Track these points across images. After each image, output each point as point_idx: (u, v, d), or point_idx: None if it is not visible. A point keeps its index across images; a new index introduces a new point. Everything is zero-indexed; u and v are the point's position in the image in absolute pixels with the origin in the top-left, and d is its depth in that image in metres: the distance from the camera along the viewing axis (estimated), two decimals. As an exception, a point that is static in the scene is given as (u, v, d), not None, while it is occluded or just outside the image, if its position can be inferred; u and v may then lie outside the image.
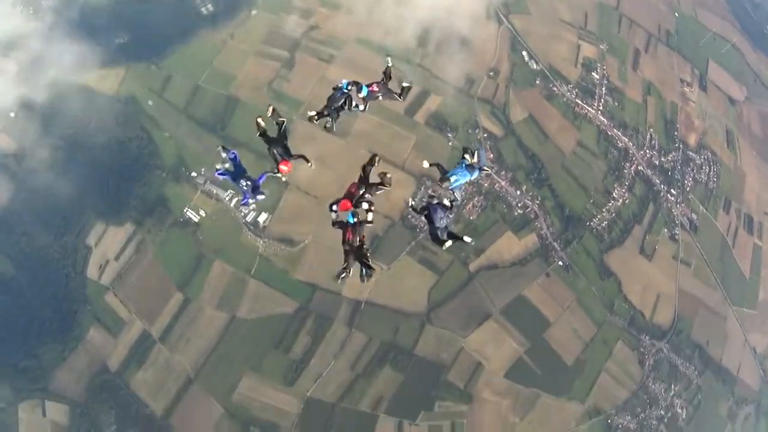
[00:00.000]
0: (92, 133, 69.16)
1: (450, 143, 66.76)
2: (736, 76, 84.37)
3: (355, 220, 19.19)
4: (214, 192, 64.42)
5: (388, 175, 20.46)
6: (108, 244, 64.78)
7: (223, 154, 20.85)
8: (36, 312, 64.93)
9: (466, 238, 19.63)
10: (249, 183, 20.22)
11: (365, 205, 19.43)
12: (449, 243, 19.03)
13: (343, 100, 21.56)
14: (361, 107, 21.64)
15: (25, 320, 64.90)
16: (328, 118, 21.80)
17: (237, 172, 20.44)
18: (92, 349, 63.23)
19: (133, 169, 67.07)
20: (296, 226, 63.09)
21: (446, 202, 19.33)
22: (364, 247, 19.09)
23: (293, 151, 20.71)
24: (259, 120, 20.85)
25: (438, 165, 20.01)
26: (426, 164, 21.05)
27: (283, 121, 21.01)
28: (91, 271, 64.28)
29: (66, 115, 69.95)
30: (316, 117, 21.80)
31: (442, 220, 18.84)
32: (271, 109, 21.12)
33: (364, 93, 21.08)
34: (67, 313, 64.45)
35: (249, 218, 63.60)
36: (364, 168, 20.40)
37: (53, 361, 63.34)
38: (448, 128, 67.39)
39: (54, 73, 71.76)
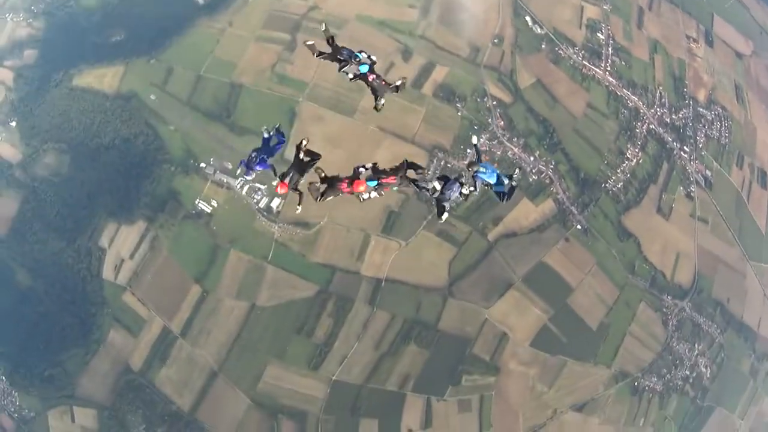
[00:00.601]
0: (96, 134, 67.80)
1: (459, 113, 65.01)
2: (741, 31, 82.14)
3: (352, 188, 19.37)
4: (225, 181, 62.93)
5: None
6: (121, 244, 63.60)
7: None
8: (56, 319, 64.17)
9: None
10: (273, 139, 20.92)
11: (374, 194, 19.80)
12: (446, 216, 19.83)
13: (347, 60, 20.91)
14: (350, 76, 20.93)
15: (46, 328, 64.20)
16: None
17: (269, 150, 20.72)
18: (114, 351, 62.46)
19: (141, 166, 65.53)
20: (310, 208, 61.22)
21: (465, 190, 19.39)
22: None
23: (302, 181, 20.39)
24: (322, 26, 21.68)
25: (477, 149, 21.49)
26: (474, 139, 25.36)
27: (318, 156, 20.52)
28: (107, 273, 63.20)
29: (68, 118, 68.57)
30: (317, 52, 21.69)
31: (453, 194, 19.13)
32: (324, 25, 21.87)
33: (363, 70, 20.41)
34: (86, 317, 63.56)
35: (262, 204, 62.12)
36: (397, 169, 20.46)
37: (77, 366, 62.74)
38: (457, 98, 65.56)
39: (52, 76, 70.43)
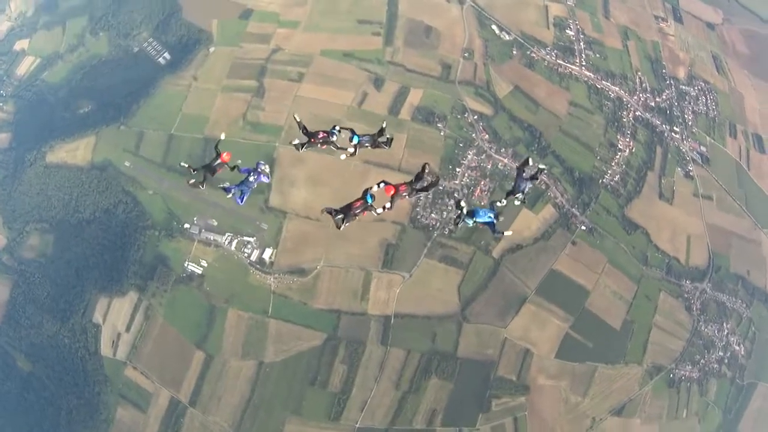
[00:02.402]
0: (76, 209, 64.20)
1: (442, 133, 61.34)
2: (708, 1, 79.23)
3: (370, 203, 19.67)
4: (212, 239, 58.76)
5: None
6: (115, 318, 59.42)
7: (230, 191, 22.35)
8: (61, 403, 59.67)
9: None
10: (251, 174, 21.81)
11: (387, 204, 19.84)
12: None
13: (325, 138, 21.43)
14: (351, 150, 21.25)
15: (53, 413, 59.65)
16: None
17: (243, 183, 21.89)
18: (125, 429, 57.80)
19: (124, 235, 61.56)
20: (304, 253, 57.28)
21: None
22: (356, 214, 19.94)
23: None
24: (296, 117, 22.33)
25: (458, 203, 20.86)
26: (463, 203, 21.14)
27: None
28: (105, 349, 59.05)
29: (47, 196, 64.92)
30: (299, 146, 21.91)
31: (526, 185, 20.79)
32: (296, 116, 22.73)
33: (355, 141, 20.87)
34: (91, 397, 59.05)
35: (254, 257, 57.77)
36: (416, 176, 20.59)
37: None
38: (437, 119, 62.08)
39: (26, 157, 66.69)
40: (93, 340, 59.41)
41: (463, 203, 20.44)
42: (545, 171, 22.13)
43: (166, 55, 69.80)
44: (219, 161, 21.63)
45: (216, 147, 22.17)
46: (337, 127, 21.08)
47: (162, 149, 62.88)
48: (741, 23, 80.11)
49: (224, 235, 58.37)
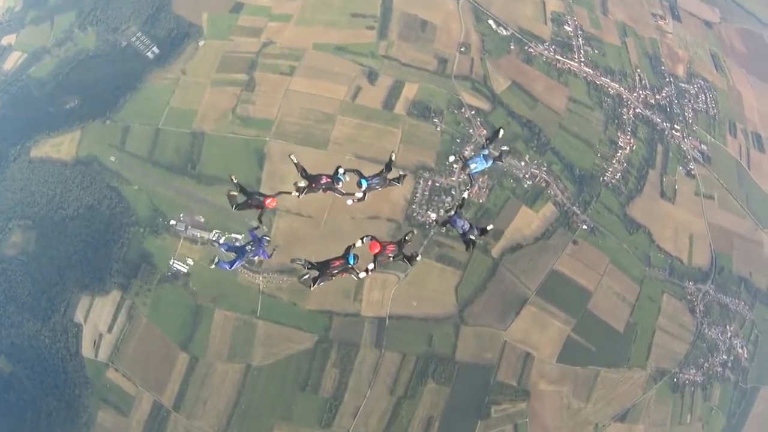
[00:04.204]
0: (60, 205, 59.34)
1: (438, 128, 57.02)
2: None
3: (352, 265, 17.36)
4: (198, 236, 53.94)
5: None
6: (97, 317, 54.63)
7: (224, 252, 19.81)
8: (41, 405, 54.93)
9: (488, 227, 18.89)
10: (251, 244, 18.94)
11: (371, 266, 17.61)
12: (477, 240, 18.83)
13: (328, 183, 18.55)
14: (359, 195, 18.67)
15: (33, 415, 54.83)
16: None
17: (239, 249, 19.03)
18: None
19: (108, 232, 56.70)
20: (295, 251, 51.72)
21: (465, 195, 20.68)
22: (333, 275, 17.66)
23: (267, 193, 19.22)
24: (233, 193, 18.98)
25: (460, 157, 21.22)
26: (451, 158, 24.66)
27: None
28: (86, 350, 54.31)
29: (30, 192, 60.04)
30: (300, 190, 18.66)
31: (464, 225, 18.41)
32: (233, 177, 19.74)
33: (364, 186, 18.32)
34: (72, 399, 54.35)
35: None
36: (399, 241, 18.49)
37: None
38: (433, 114, 57.82)
39: (10, 152, 61.74)
40: (74, 340, 54.67)
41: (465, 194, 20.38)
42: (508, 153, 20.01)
43: (155, 49, 65.24)
44: (262, 201, 18.58)
45: (279, 193, 19.19)
46: (342, 170, 18.34)
47: (148, 144, 58.24)
48: (738, 22, 76.96)
49: (212, 232, 53.63)
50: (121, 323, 53.50)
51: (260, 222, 19.48)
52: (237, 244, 19.39)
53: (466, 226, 18.17)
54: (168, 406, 51.74)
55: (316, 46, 61.33)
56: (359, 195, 18.28)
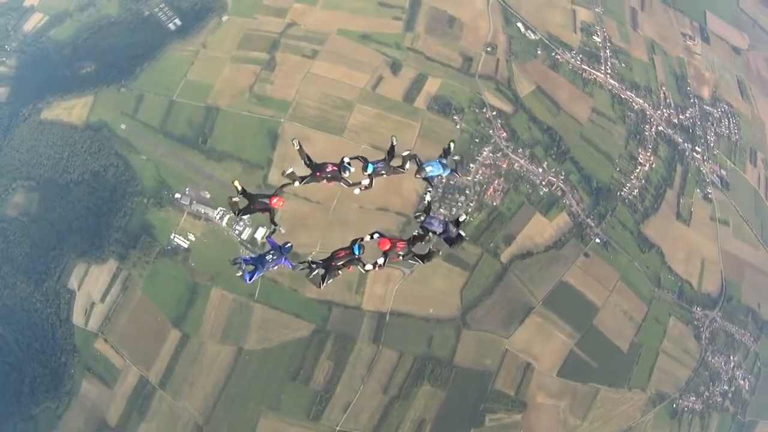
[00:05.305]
0: (66, 169, 57.00)
1: (457, 126, 54.47)
2: (735, 24, 73.97)
3: (358, 255, 16.11)
4: (202, 212, 51.37)
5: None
6: (92, 285, 52.25)
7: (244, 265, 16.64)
8: (26, 369, 52.53)
9: (461, 218, 17.57)
10: (272, 253, 16.63)
11: (381, 260, 16.04)
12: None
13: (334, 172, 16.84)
14: (366, 182, 17.10)
15: (17, 379, 52.50)
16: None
17: (259, 259, 16.80)
18: (88, 404, 50.64)
19: (111, 200, 54.19)
20: (299, 236, 49.53)
21: (428, 198, 19.23)
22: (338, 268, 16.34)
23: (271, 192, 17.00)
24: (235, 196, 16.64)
25: (414, 156, 17.81)
26: (428, 197, 19.44)
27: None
28: (77, 318, 51.97)
29: (37, 153, 57.71)
30: (300, 179, 16.80)
31: (440, 226, 17.07)
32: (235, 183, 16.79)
33: (370, 170, 16.79)
34: (57, 367, 52.01)
35: (245, 236, 50.45)
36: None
37: (49, 421, 50.98)
38: (453, 110, 55.26)
39: (21, 111, 59.48)
40: (66, 306, 52.24)
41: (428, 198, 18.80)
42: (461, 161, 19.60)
43: (177, 21, 62.88)
44: (267, 202, 16.53)
45: (282, 187, 17.11)
46: (347, 159, 16.77)
47: (161, 114, 55.83)
48: (766, 50, 74.02)
49: (216, 209, 51.12)
50: (115, 294, 51.03)
51: (275, 224, 17.22)
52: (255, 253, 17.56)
53: (441, 227, 17.06)
54: (154, 382, 49.20)
55: (340, 32, 58.93)
56: (366, 182, 16.96)
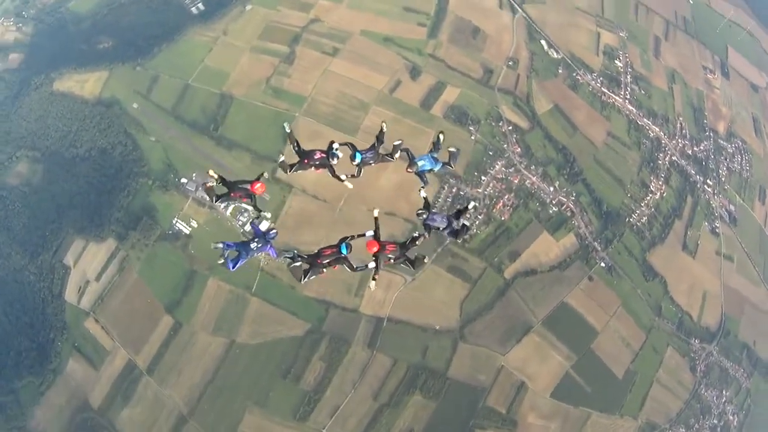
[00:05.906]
0: (73, 143, 55.93)
1: (473, 137, 53.45)
2: (755, 63, 73.48)
3: (345, 254, 15.89)
4: (207, 199, 49.75)
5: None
6: (88, 263, 51.07)
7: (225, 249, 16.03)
8: (13, 343, 51.15)
9: (469, 205, 17.69)
10: (256, 241, 16.12)
11: (371, 264, 16.14)
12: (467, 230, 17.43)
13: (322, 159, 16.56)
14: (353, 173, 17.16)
15: (2, 351, 51.12)
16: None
17: (243, 245, 16.19)
18: (72, 383, 49.42)
19: (116, 179, 53.05)
20: (303, 233, 48.45)
21: (423, 194, 17.91)
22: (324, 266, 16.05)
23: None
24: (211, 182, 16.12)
25: (406, 150, 17.72)
26: (422, 193, 17.85)
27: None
28: (70, 294, 50.75)
29: (45, 124, 56.65)
30: (288, 167, 16.82)
31: (443, 221, 16.95)
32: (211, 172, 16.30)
33: (357, 159, 16.67)
34: (45, 343, 50.70)
35: (248, 228, 48.71)
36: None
37: (31, 397, 49.79)
38: (470, 121, 54.24)
39: (33, 80, 58.40)
40: (59, 282, 50.95)
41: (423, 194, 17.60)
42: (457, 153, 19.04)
43: (200, 5, 61.78)
44: (248, 188, 16.12)
45: (261, 174, 17.14)
46: (336, 145, 16.67)
47: (175, 97, 54.76)
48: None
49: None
50: (111, 274, 49.79)
51: (258, 210, 16.80)
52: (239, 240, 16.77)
53: (445, 221, 16.95)
54: (142, 367, 47.94)
55: (363, 33, 58.01)
56: (353, 172, 17.04)
